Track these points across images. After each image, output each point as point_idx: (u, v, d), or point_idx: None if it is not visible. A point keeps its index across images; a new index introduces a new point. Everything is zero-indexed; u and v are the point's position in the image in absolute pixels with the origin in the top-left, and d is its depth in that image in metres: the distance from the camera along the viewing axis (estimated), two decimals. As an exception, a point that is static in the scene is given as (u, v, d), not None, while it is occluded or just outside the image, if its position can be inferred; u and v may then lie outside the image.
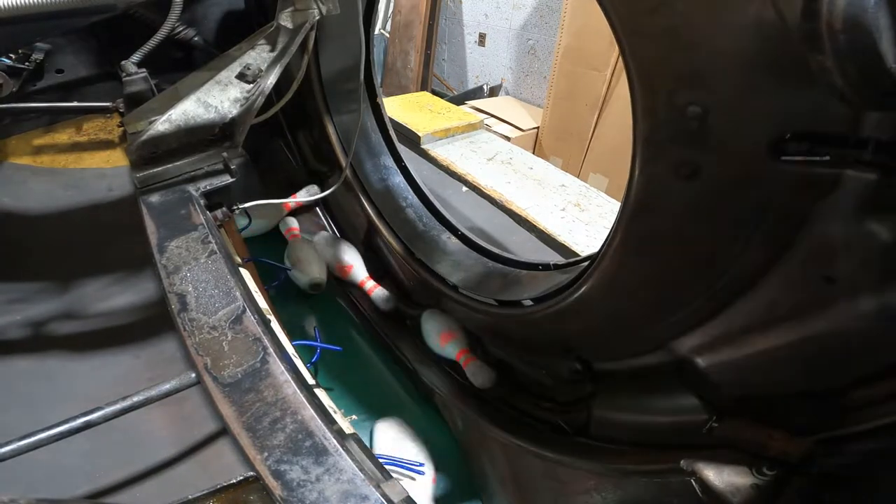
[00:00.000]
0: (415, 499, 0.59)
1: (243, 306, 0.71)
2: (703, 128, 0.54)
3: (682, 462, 0.63)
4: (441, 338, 1.22)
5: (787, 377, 0.61)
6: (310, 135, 1.60)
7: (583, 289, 0.81)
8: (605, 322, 0.84)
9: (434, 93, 3.20)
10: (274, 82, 1.01)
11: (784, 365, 0.60)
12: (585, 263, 0.84)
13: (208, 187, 0.97)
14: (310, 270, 1.42)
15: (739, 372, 0.66)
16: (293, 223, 1.60)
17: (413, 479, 1.06)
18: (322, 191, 1.50)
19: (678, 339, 0.72)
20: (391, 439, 1.14)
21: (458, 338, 1.21)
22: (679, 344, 0.72)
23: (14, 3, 0.75)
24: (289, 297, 1.45)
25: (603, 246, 0.76)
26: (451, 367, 1.24)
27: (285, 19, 0.97)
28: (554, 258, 1.34)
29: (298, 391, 0.61)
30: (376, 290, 1.41)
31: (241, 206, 1.02)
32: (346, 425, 0.72)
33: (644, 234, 0.69)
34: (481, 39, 3.74)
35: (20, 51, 1.27)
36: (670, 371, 0.75)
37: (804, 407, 0.60)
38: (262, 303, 0.83)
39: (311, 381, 0.77)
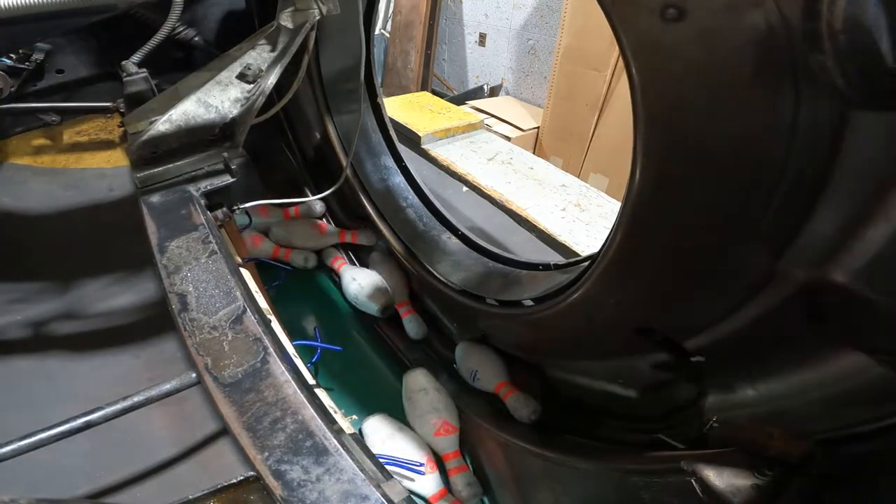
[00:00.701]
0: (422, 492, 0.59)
1: (244, 306, 0.71)
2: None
3: (682, 462, 0.63)
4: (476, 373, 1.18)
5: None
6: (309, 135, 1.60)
7: (583, 289, 0.81)
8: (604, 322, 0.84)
9: (434, 93, 3.20)
10: (274, 82, 1.01)
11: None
12: (586, 263, 0.84)
13: (209, 187, 0.97)
14: (379, 297, 1.36)
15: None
16: (336, 252, 1.56)
17: (412, 479, 1.06)
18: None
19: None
20: (383, 438, 1.12)
21: (497, 370, 1.16)
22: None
23: (14, 3, 0.75)
24: (289, 297, 1.46)
25: (603, 246, 0.76)
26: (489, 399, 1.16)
27: (286, 19, 0.97)
28: (554, 258, 1.34)
29: (298, 391, 0.61)
30: (409, 315, 1.38)
31: (241, 206, 1.03)
32: (346, 425, 0.72)
33: (644, 234, 0.69)
34: (481, 39, 3.74)
35: (20, 51, 1.27)
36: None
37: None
38: (263, 303, 0.83)
39: (311, 381, 0.78)
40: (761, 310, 0.61)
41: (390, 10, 3.67)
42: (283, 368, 0.64)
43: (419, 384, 1.19)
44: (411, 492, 1.05)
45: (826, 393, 0.57)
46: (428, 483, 1.06)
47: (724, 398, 0.69)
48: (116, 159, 1.46)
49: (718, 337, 0.68)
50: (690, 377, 0.73)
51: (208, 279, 0.76)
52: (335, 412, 0.76)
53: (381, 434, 1.13)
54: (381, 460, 0.91)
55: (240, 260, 1.00)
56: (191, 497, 0.57)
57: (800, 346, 0.60)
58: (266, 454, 0.55)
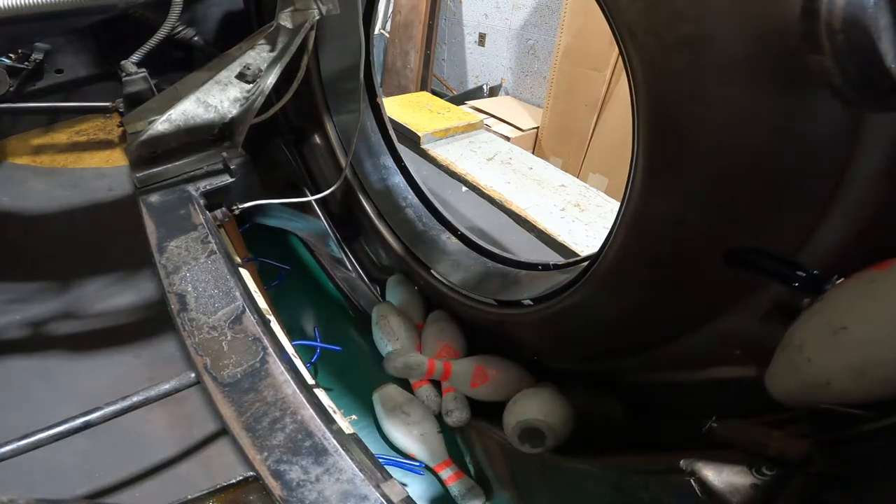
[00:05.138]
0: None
1: (243, 306, 0.71)
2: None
3: (682, 462, 0.63)
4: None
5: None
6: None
7: (583, 289, 0.81)
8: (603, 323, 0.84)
9: (434, 93, 3.20)
10: (274, 82, 1.01)
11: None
12: (585, 263, 0.84)
13: (208, 187, 0.97)
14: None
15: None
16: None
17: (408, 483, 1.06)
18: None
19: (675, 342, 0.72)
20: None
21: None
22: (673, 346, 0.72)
23: (14, 3, 0.75)
24: (289, 297, 1.45)
25: (603, 246, 0.76)
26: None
27: (285, 19, 0.97)
28: (554, 258, 1.34)
29: (298, 391, 0.61)
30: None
31: (240, 206, 1.02)
32: (345, 425, 0.72)
33: (644, 234, 0.69)
34: (481, 39, 3.74)
35: (20, 51, 1.27)
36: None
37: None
38: (262, 303, 0.83)
39: (311, 381, 0.77)
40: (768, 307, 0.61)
41: (390, 10, 3.66)
42: (283, 368, 0.64)
43: (393, 400, 1.17)
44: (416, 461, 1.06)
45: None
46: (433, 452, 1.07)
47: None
48: (116, 159, 1.45)
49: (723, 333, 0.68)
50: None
51: (207, 279, 0.76)
52: (335, 412, 0.76)
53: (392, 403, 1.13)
54: (382, 461, 0.91)
55: (239, 260, 1.00)
56: (190, 497, 0.57)
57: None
58: (265, 454, 0.55)
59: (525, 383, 1.09)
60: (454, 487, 1.06)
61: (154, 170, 0.95)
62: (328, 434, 0.57)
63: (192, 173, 0.97)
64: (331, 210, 1.67)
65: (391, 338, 1.26)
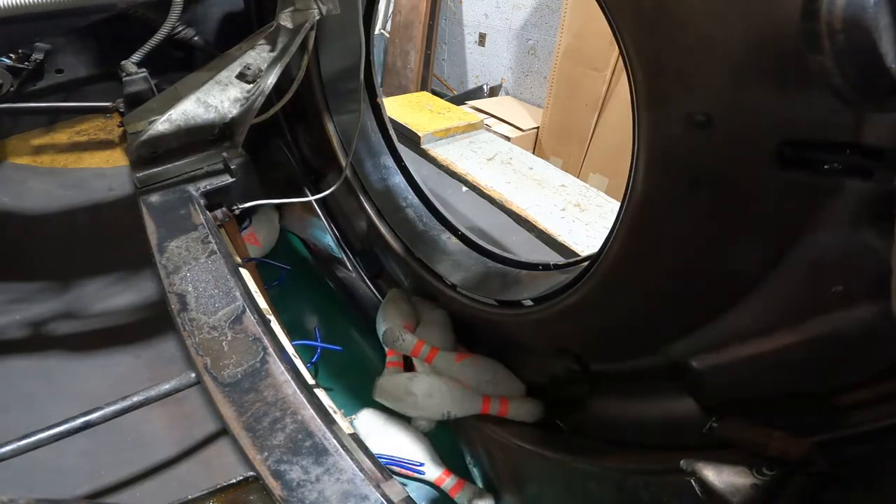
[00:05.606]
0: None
1: (243, 306, 0.71)
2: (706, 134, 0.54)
3: (682, 462, 0.63)
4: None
5: (782, 380, 0.62)
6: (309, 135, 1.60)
7: (583, 289, 0.81)
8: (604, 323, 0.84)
9: (434, 93, 3.20)
10: (274, 82, 1.01)
11: (780, 368, 0.61)
12: (586, 263, 0.84)
13: (208, 187, 0.97)
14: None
15: (735, 374, 0.66)
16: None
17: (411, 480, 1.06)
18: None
19: (675, 342, 0.72)
20: (378, 427, 1.12)
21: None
22: (676, 346, 0.72)
23: (14, 3, 0.75)
24: (289, 297, 1.46)
25: (603, 246, 0.76)
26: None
27: (285, 19, 0.97)
28: (554, 258, 1.34)
29: (298, 391, 0.61)
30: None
31: (241, 206, 1.02)
32: (345, 425, 0.72)
33: (644, 235, 0.69)
34: (481, 39, 3.74)
35: (20, 51, 1.27)
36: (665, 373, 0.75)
37: (795, 408, 0.60)
38: (262, 303, 0.83)
39: (311, 381, 0.78)
40: (770, 304, 0.60)
41: (390, 10, 3.66)
42: (283, 368, 0.64)
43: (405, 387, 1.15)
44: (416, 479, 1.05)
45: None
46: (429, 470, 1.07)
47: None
48: (116, 159, 1.46)
49: (727, 331, 0.66)
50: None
51: (208, 279, 0.76)
52: (335, 412, 0.76)
53: (375, 427, 1.13)
54: (381, 460, 0.91)
55: (239, 260, 1.00)
56: (190, 497, 0.57)
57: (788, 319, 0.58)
58: (266, 454, 0.55)
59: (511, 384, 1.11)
60: (460, 497, 1.06)
61: (154, 170, 0.96)
62: (328, 434, 0.57)
63: (192, 173, 0.98)
64: (331, 210, 1.67)
65: (391, 320, 1.28)
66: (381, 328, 1.26)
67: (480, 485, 1.10)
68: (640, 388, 0.84)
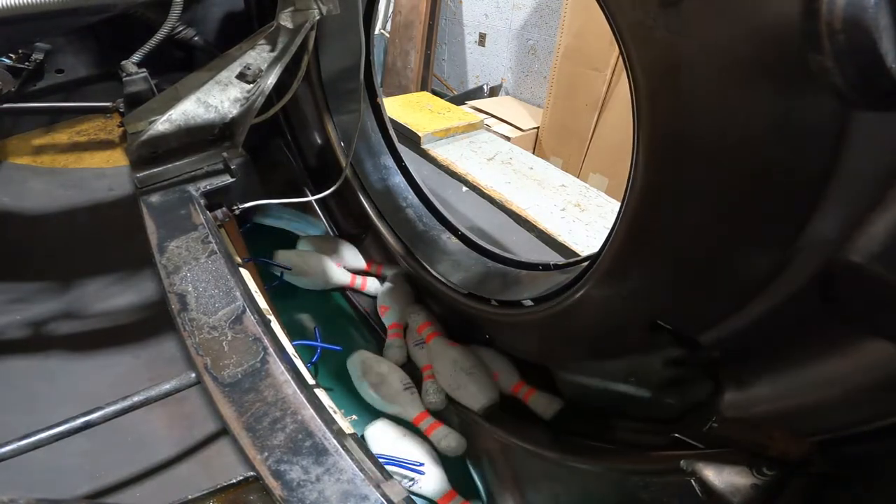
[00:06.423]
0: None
1: (243, 306, 0.71)
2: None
3: (682, 462, 0.63)
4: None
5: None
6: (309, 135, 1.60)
7: (584, 289, 0.81)
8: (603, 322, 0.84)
9: (434, 93, 3.20)
10: (274, 82, 1.01)
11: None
12: (586, 263, 0.84)
13: (208, 187, 0.97)
14: (485, 390, 1.12)
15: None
16: (422, 318, 1.29)
17: (412, 479, 1.06)
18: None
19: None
20: (390, 441, 1.12)
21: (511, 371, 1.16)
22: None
23: (14, 3, 0.75)
24: (289, 297, 1.45)
25: (603, 246, 0.76)
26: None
27: (285, 19, 0.97)
28: (554, 258, 1.34)
29: (298, 391, 0.61)
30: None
31: (241, 206, 1.02)
32: (346, 425, 0.72)
33: (645, 234, 0.69)
34: (481, 39, 3.74)
35: (20, 51, 1.27)
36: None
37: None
38: (262, 303, 0.83)
39: (311, 381, 0.77)
40: (774, 300, 0.60)
41: (390, 10, 3.66)
42: (283, 368, 0.64)
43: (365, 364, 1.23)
44: (419, 495, 1.05)
45: (847, 386, 0.54)
46: (434, 484, 1.06)
47: (740, 394, 0.65)
48: (116, 159, 1.46)
49: (732, 330, 0.65)
50: (706, 373, 0.69)
51: (208, 279, 0.76)
52: (335, 412, 0.76)
53: (387, 437, 1.13)
54: (382, 460, 0.91)
55: (239, 260, 1.00)
56: (191, 497, 0.57)
57: (817, 336, 0.57)
58: (266, 454, 0.55)
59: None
60: (434, 435, 1.10)
61: (154, 170, 0.96)
62: (328, 434, 0.57)
63: (192, 173, 0.98)
64: (331, 210, 1.67)
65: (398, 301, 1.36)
66: (392, 309, 1.35)
67: (481, 486, 1.10)
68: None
